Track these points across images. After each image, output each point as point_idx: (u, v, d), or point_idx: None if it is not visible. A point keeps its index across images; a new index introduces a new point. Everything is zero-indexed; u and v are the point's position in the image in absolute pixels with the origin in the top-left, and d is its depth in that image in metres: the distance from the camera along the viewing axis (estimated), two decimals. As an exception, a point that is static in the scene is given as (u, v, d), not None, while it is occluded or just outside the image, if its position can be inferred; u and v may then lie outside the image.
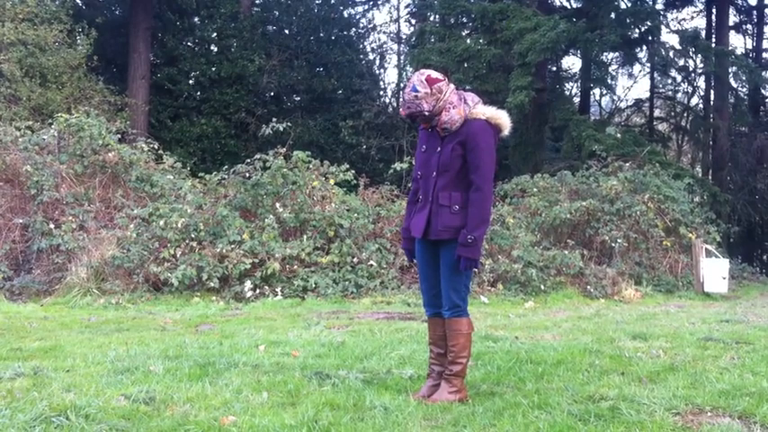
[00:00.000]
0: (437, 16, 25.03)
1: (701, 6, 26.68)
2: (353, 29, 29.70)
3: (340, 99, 26.95)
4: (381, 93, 30.00)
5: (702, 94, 27.35)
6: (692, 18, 28.26)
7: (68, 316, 8.75)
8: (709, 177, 24.25)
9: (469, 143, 4.33)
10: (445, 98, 4.39)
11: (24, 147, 12.35)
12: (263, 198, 12.12)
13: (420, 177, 4.56)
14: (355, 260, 11.48)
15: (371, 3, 31.15)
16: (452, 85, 4.48)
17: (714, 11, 25.39)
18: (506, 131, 4.50)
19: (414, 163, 4.78)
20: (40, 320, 8.24)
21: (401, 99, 4.56)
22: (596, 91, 28.46)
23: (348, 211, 12.17)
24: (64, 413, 3.82)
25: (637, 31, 21.44)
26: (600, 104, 31.09)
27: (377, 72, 30.74)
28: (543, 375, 5.10)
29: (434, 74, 4.46)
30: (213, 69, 24.45)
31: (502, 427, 3.83)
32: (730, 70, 22.13)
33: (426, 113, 4.38)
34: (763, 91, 25.90)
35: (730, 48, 24.05)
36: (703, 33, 25.17)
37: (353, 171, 13.29)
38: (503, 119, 4.45)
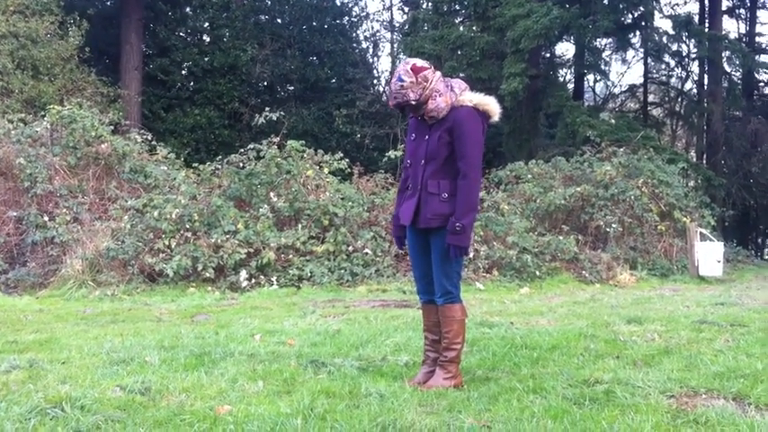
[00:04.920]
0: (430, 4, 24.98)
1: (694, -9, 26.68)
2: (346, 17, 29.63)
3: (333, 88, 26.92)
4: (375, 81, 29.97)
5: (696, 78, 27.38)
6: (686, 3, 28.38)
7: (64, 308, 8.73)
8: (704, 162, 24.30)
9: (456, 130, 4.32)
10: (431, 86, 4.37)
11: (17, 139, 12.30)
12: (258, 188, 12.11)
13: (409, 165, 4.55)
14: (350, 248, 11.48)
15: (364, -9, 31.07)
16: (439, 73, 4.46)
17: (707, -5, 25.37)
18: (495, 117, 4.47)
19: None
20: (35, 313, 8.23)
21: (388, 89, 4.53)
22: (590, 77, 28.44)
23: (343, 199, 12.16)
24: (59, 405, 3.81)
25: (630, 16, 21.45)
26: (594, 90, 31.11)
27: (370, 60, 30.73)
28: (538, 360, 5.11)
29: (420, 62, 4.44)
30: (206, 59, 24.39)
31: (497, 411, 3.83)
32: (724, 55, 22.15)
33: (413, 102, 4.37)
34: (756, 75, 25.94)
35: (724, 32, 24.02)
36: (696, 18, 25.17)
37: (348, 160, 13.29)
38: (491, 105, 4.43)
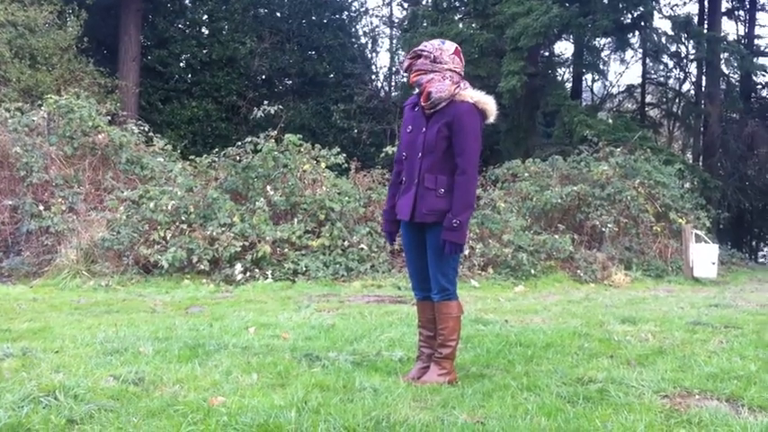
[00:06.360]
0: (429, 0, 24.94)
1: (693, -8, 26.69)
2: (345, 12, 29.56)
3: (331, 83, 26.89)
4: (373, 77, 29.94)
5: (694, 80, 27.42)
6: (685, 4, 28.31)
7: (58, 298, 8.72)
8: (700, 163, 24.32)
9: (455, 125, 4.30)
10: (450, 66, 4.36)
11: (14, 128, 12.26)
12: (254, 181, 12.08)
13: (405, 158, 4.51)
14: (346, 243, 11.48)
15: (364, -14, 31.02)
16: (462, 74, 4.48)
17: (707, -4, 25.36)
18: (492, 118, 4.46)
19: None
20: (29, 302, 8.21)
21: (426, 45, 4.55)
22: (588, 76, 28.51)
23: (339, 194, 12.14)
24: (52, 393, 3.80)
25: (629, 16, 21.43)
26: (592, 90, 31.13)
27: (369, 56, 30.68)
28: (532, 358, 5.11)
29: (462, 56, 4.51)
30: (204, 52, 24.35)
31: (491, 408, 3.83)
32: (722, 56, 22.15)
33: (428, 60, 4.37)
34: (754, 77, 25.94)
35: (722, 34, 24.03)
36: (696, 19, 25.16)
37: (345, 155, 13.27)
38: (489, 105, 4.42)
